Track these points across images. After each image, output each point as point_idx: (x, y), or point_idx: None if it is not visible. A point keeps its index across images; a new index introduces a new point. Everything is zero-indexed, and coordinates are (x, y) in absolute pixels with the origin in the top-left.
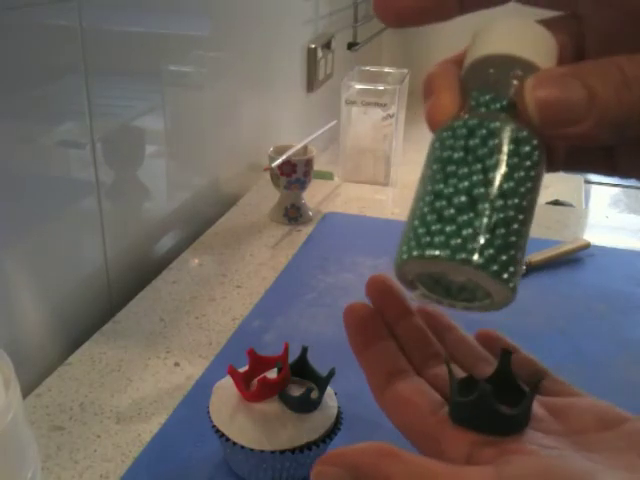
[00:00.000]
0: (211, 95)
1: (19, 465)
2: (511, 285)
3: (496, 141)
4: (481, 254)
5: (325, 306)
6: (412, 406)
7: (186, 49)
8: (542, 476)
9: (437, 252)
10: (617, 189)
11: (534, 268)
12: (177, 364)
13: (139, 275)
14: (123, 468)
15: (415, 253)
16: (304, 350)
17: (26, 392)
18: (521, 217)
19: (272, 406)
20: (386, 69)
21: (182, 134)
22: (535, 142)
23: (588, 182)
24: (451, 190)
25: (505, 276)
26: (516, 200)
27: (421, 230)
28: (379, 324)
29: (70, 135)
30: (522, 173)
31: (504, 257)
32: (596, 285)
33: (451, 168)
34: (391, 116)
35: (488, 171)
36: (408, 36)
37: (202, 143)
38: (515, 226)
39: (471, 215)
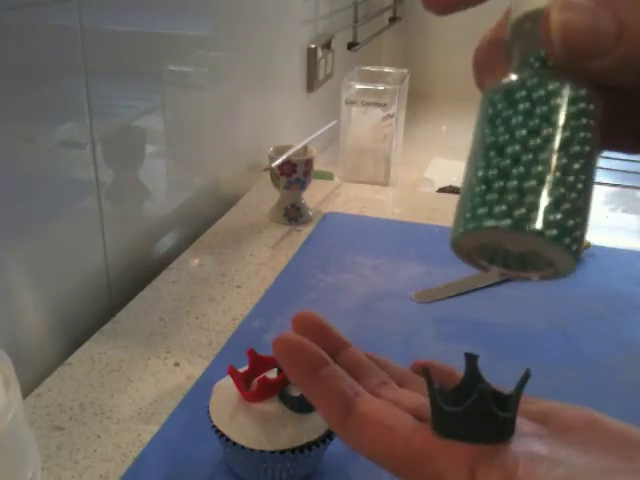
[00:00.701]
0: (211, 95)
1: (19, 465)
2: (573, 251)
3: (556, 101)
4: (539, 220)
5: (325, 306)
6: (386, 428)
7: (186, 49)
8: None
9: (496, 222)
10: (617, 189)
11: None
12: (177, 364)
13: (139, 275)
14: (123, 468)
15: (469, 226)
16: None
17: (26, 392)
18: (582, 178)
19: (272, 406)
20: (386, 69)
21: (182, 134)
22: (593, 99)
23: None
24: (506, 160)
25: (567, 241)
26: (575, 164)
27: (474, 201)
28: (318, 351)
29: (70, 135)
30: (581, 134)
31: (568, 222)
32: (596, 285)
33: (503, 137)
34: (391, 116)
35: (544, 133)
36: (408, 36)
37: (202, 143)
38: (579, 186)
39: (533, 181)
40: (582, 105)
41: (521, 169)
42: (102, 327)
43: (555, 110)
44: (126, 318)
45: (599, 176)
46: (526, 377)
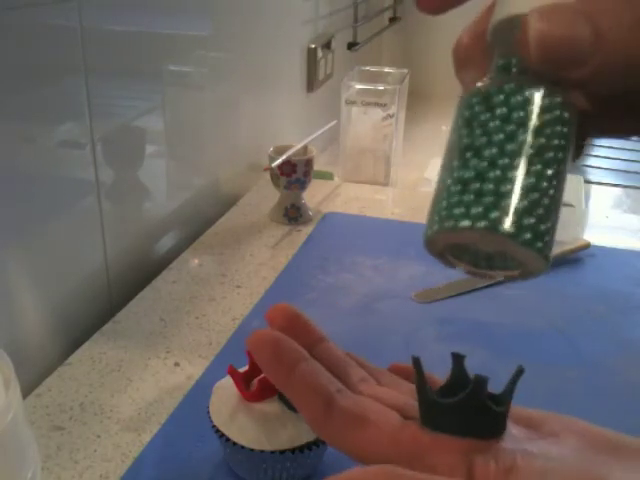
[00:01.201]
0: (211, 95)
1: (19, 465)
2: (545, 254)
3: (532, 108)
4: (514, 223)
5: (325, 306)
6: (371, 424)
7: (186, 49)
8: None
9: (472, 223)
10: (617, 189)
11: None
12: (177, 364)
13: (139, 275)
14: (123, 468)
15: (443, 225)
16: None
17: (26, 392)
18: (554, 184)
19: (272, 406)
20: (386, 69)
21: (182, 134)
22: (569, 106)
23: (588, 182)
24: (482, 163)
25: (539, 245)
26: (549, 170)
27: (450, 200)
28: (295, 346)
29: (70, 135)
30: (556, 141)
31: (540, 227)
32: (596, 285)
33: (480, 140)
34: (391, 116)
35: (520, 139)
36: (408, 36)
37: (202, 143)
38: (550, 192)
39: (508, 186)
40: (557, 112)
41: (497, 172)
42: (102, 327)
43: (531, 117)
44: (126, 318)
45: (599, 176)
46: (519, 373)
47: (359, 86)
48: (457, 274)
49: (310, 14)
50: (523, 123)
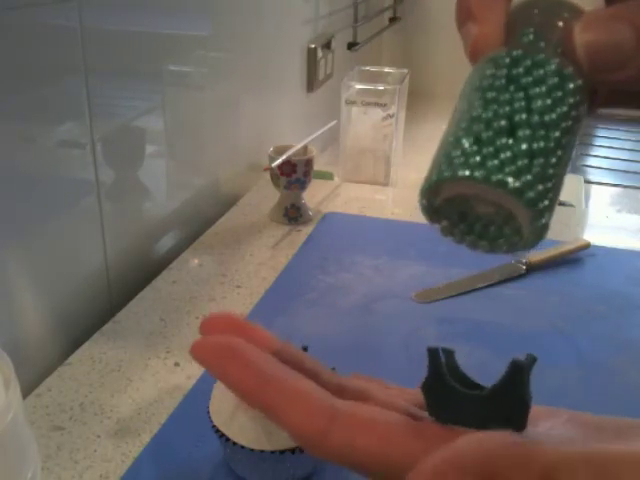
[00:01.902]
0: (211, 95)
1: (19, 465)
2: (544, 220)
3: (540, 72)
4: (517, 178)
5: (325, 306)
6: (382, 424)
7: (186, 49)
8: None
9: (472, 172)
10: (617, 189)
11: (534, 268)
12: (177, 364)
13: (139, 275)
14: (123, 468)
15: (447, 174)
16: (304, 350)
17: (26, 392)
18: (560, 153)
19: None
20: (386, 69)
21: (182, 134)
22: (579, 82)
23: (588, 182)
24: (490, 115)
25: (540, 206)
26: (557, 133)
27: (455, 152)
28: (256, 350)
29: (70, 135)
30: (565, 109)
31: (540, 187)
32: (596, 285)
33: (491, 94)
34: (391, 116)
35: (531, 100)
36: (408, 36)
37: (202, 143)
38: (553, 160)
39: (510, 140)
40: (573, 87)
41: (502, 123)
42: (102, 327)
43: (539, 79)
44: (126, 318)
45: (599, 176)
46: (533, 360)
47: (359, 86)
48: (457, 274)
49: (310, 14)
50: (534, 84)
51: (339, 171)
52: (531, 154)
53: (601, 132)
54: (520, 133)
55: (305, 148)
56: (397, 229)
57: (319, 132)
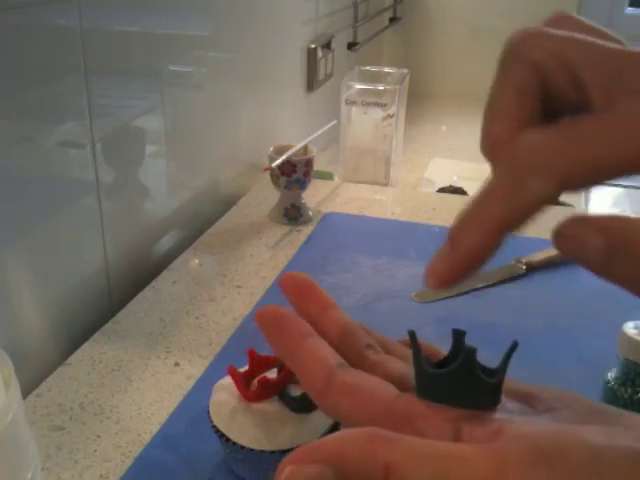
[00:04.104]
0: (211, 95)
1: (19, 465)
2: None
3: None
4: None
5: None
6: (366, 395)
7: (186, 49)
8: (551, 442)
9: None
10: (618, 189)
11: (534, 268)
12: (177, 364)
13: (139, 275)
14: (123, 468)
15: None
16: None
17: (26, 392)
18: None
19: (272, 406)
20: (386, 69)
21: (182, 134)
22: None
23: None
24: None
25: None
26: None
27: None
28: (300, 322)
29: (70, 135)
30: None
31: None
32: (596, 285)
33: None
34: (391, 116)
35: None
36: (408, 36)
37: (202, 143)
38: None
39: None
40: None
41: None
42: (102, 327)
43: None
44: (126, 318)
45: None
46: (513, 347)
47: (359, 86)
48: None
49: (310, 14)
50: None
51: (339, 171)
52: None
53: None
54: None
55: (305, 148)
56: (397, 229)
57: (319, 132)
